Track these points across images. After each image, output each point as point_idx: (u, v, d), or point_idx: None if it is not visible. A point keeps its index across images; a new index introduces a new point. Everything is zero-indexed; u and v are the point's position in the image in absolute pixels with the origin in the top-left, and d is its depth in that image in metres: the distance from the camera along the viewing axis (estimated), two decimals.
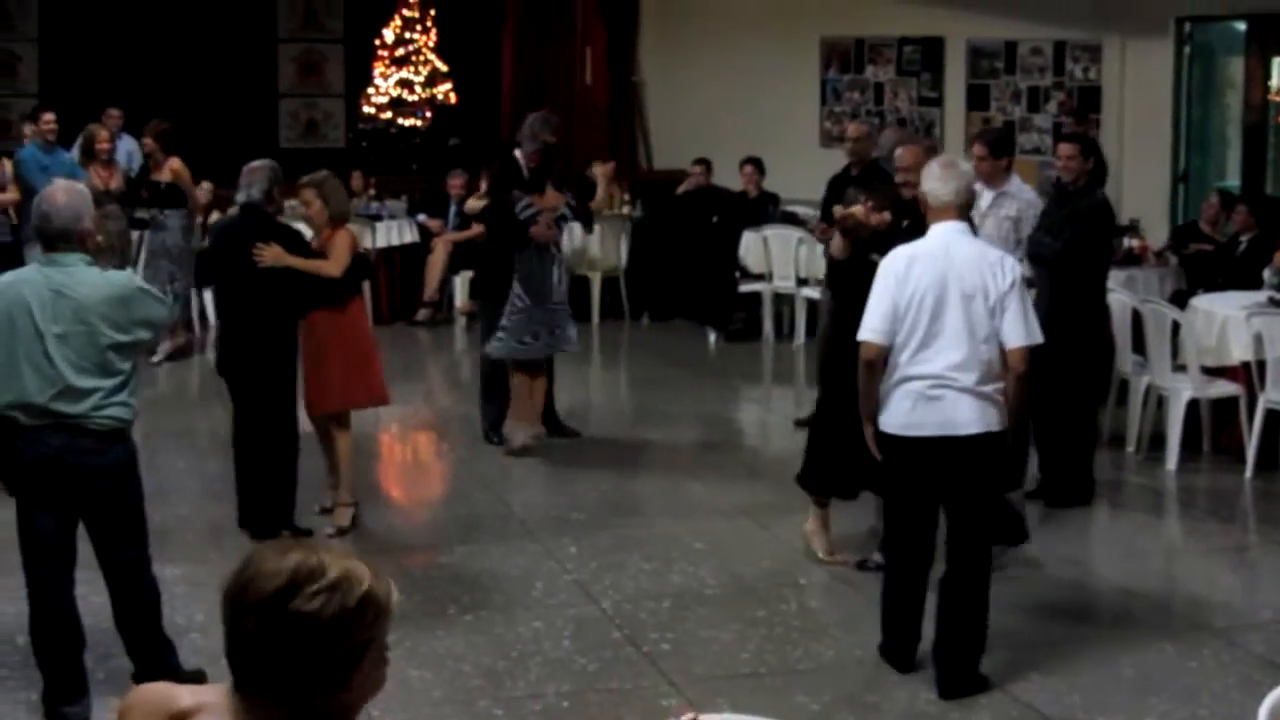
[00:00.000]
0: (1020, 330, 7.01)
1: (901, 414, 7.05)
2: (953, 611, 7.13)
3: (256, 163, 9.59)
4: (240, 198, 9.58)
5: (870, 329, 7.10)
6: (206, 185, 17.10)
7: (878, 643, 7.45)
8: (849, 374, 7.73)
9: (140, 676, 6.82)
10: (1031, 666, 7.33)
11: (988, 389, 6.98)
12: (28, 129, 15.16)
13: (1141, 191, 15.43)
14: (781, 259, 15.74)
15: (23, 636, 6.96)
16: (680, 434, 12.23)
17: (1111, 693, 7.16)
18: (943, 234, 7.13)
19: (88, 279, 6.61)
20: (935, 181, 7.20)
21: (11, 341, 6.55)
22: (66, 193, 6.77)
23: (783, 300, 16.18)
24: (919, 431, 7.02)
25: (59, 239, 6.61)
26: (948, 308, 6.96)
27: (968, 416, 6.96)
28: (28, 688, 6.89)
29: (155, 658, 6.93)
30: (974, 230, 7.64)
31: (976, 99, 17.12)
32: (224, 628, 2.93)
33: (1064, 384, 9.86)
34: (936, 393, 6.95)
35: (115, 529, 6.83)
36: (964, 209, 7.28)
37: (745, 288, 16.37)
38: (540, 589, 8.48)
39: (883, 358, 7.11)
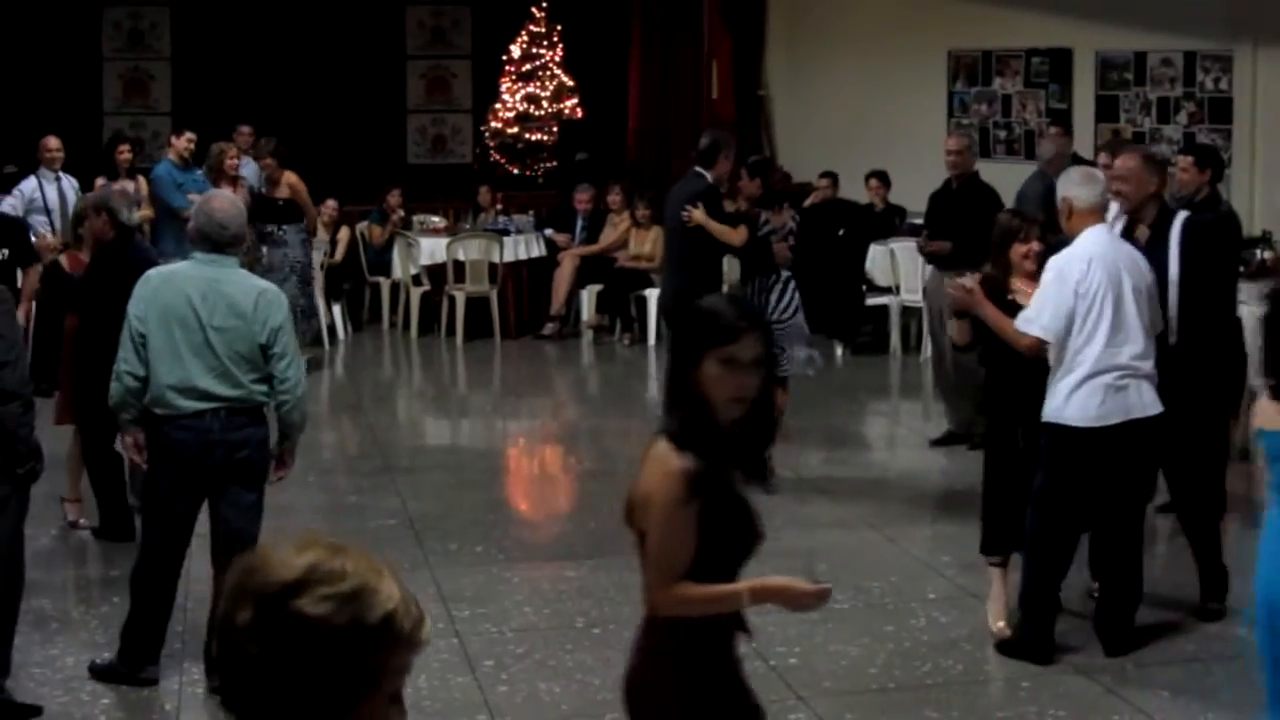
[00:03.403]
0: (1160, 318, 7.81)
1: (1092, 408, 7.42)
2: (1112, 577, 7.74)
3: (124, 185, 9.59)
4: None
5: (1044, 329, 7.45)
6: (332, 203, 17.30)
7: (1005, 653, 7.57)
8: (1015, 417, 7.91)
9: None
10: (1165, 685, 7.27)
11: (1156, 373, 7.56)
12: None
13: (1274, 203, 15.22)
14: (908, 272, 15.66)
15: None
16: (807, 447, 12.19)
17: (1247, 711, 7.07)
18: (1100, 235, 7.60)
19: (241, 279, 7.19)
20: (1080, 188, 7.69)
21: (175, 330, 7.04)
22: (231, 201, 7.43)
23: (910, 313, 16.09)
24: (1108, 421, 7.41)
25: (230, 245, 7.18)
26: (1125, 303, 7.43)
27: (1150, 399, 7.51)
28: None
29: None
30: None
31: (1105, 110, 16.94)
32: (217, 624, 2.51)
33: (1195, 397, 9.75)
34: (1124, 382, 7.42)
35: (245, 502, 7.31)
36: (1105, 212, 7.83)
37: (872, 301, 16.30)
38: None
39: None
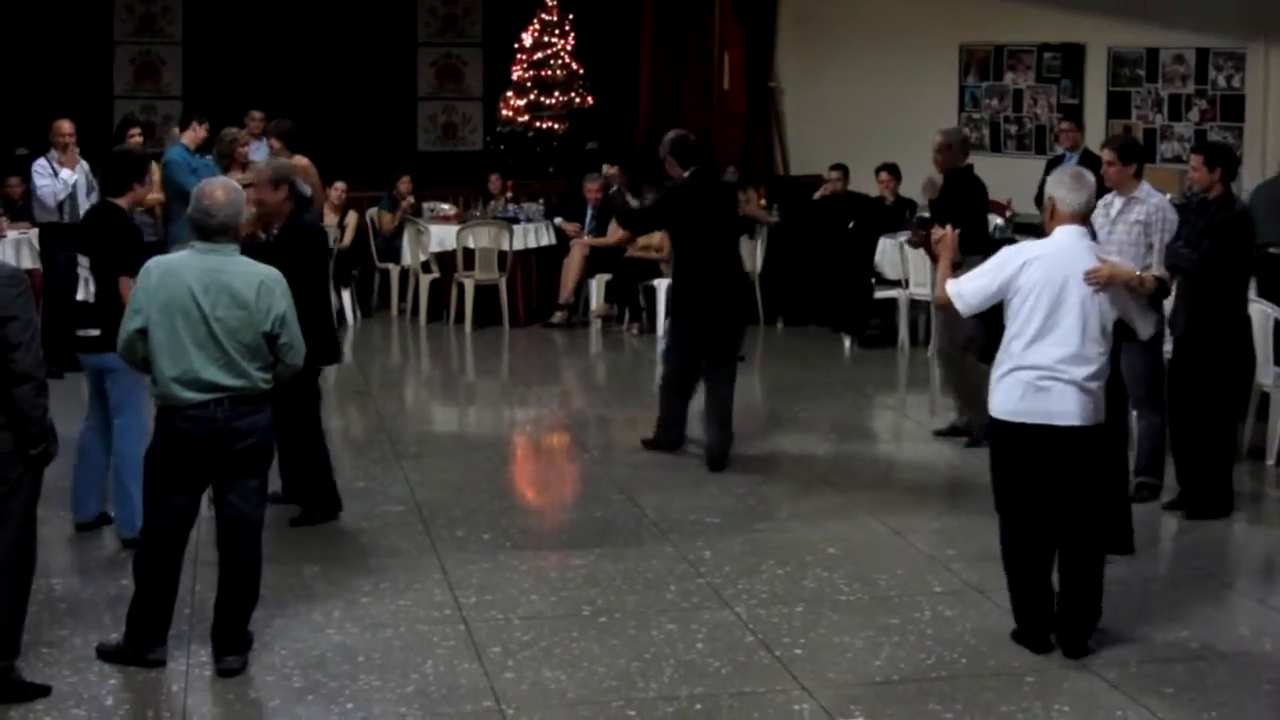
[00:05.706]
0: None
1: (1011, 401, 7.44)
2: (1070, 583, 7.58)
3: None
4: None
5: (960, 294, 7.65)
6: (341, 185, 17.31)
7: (1013, 638, 7.70)
8: None
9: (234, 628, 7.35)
10: (1169, 681, 7.27)
11: (1094, 385, 7.41)
12: (174, 132, 15.39)
13: None
14: (917, 265, 15.64)
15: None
16: (814, 439, 12.21)
17: (1251, 711, 7.08)
18: (1067, 236, 7.56)
19: (241, 267, 7.16)
20: (1066, 190, 7.63)
21: (177, 322, 7.04)
22: (225, 190, 7.28)
23: (918, 307, 16.08)
24: (1024, 419, 7.41)
25: (218, 233, 7.16)
26: (1065, 306, 7.37)
27: (1073, 408, 7.37)
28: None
29: (250, 600, 7.43)
30: (1093, 237, 8.22)
31: (1117, 106, 16.96)
32: None
33: (1204, 395, 9.78)
34: (1045, 384, 7.37)
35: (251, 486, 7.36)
36: (1086, 217, 7.78)
37: (881, 294, 16.29)
38: (674, 592, 8.51)
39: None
